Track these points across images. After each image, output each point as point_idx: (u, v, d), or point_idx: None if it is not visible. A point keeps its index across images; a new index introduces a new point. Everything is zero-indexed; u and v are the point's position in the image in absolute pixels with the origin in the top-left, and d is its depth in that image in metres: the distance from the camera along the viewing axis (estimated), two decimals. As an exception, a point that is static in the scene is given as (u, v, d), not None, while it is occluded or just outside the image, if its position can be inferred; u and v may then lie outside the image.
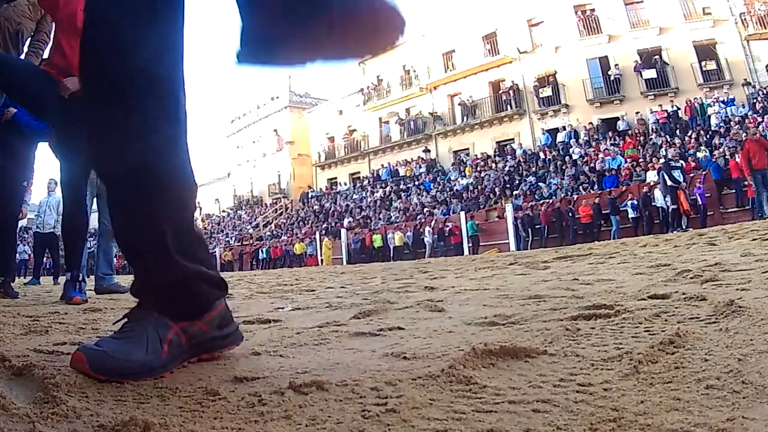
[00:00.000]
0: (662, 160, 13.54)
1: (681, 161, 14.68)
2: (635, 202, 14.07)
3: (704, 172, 13.74)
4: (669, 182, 11.26)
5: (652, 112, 18.55)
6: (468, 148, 24.08)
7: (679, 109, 17.90)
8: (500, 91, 22.91)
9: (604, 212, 14.69)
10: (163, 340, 0.91)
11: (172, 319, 0.95)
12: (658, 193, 13.29)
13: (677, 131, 17.00)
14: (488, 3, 23.24)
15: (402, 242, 18.81)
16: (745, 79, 17.35)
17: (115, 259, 4.49)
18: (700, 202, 13.00)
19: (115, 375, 0.82)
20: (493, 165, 21.25)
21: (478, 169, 21.61)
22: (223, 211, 37.14)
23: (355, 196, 26.21)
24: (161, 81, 0.93)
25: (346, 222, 23.14)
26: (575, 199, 15.66)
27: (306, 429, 0.62)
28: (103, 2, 0.92)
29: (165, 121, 0.94)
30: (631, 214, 14.11)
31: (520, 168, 19.84)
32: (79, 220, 3.07)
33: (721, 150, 14.26)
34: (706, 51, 18.51)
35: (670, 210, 11.65)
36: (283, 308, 2.19)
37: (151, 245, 0.97)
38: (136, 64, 0.90)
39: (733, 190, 13.05)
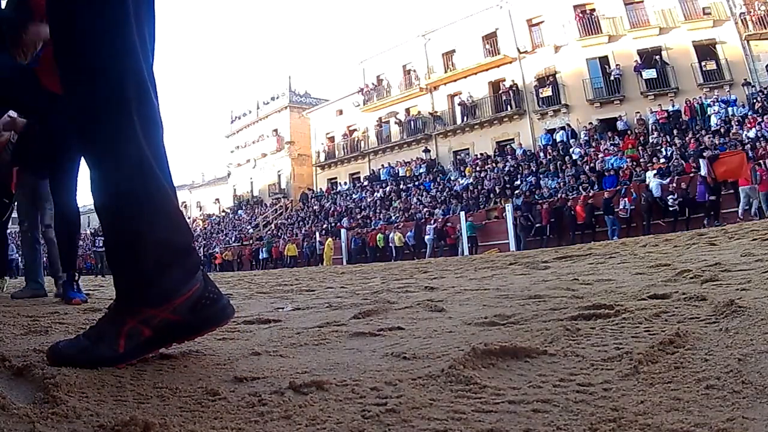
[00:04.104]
0: (705, 153, 13.47)
1: (683, 162, 14.71)
2: (635, 202, 14.04)
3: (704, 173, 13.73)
4: (708, 176, 11.21)
5: (652, 112, 18.53)
6: (468, 148, 24.06)
7: (679, 110, 17.89)
8: (500, 91, 22.89)
9: (598, 213, 14.68)
10: (119, 334, 0.94)
11: (130, 312, 0.97)
12: (654, 184, 13.33)
13: (677, 131, 16.99)
14: (488, 3, 23.25)
15: (402, 242, 18.79)
16: (745, 79, 17.33)
17: None
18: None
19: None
20: (493, 165, 21.24)
21: (478, 169, 21.60)
22: (223, 211, 37.14)
23: (355, 196, 26.19)
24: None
25: (346, 222, 23.12)
26: (570, 199, 15.64)
27: (306, 429, 0.62)
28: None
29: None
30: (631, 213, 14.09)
31: (520, 168, 19.83)
32: (70, 217, 2.99)
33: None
34: (706, 51, 18.49)
35: (707, 204, 11.68)
36: (283, 308, 2.19)
37: (112, 238, 1.00)
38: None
39: (732, 191, 13.05)
